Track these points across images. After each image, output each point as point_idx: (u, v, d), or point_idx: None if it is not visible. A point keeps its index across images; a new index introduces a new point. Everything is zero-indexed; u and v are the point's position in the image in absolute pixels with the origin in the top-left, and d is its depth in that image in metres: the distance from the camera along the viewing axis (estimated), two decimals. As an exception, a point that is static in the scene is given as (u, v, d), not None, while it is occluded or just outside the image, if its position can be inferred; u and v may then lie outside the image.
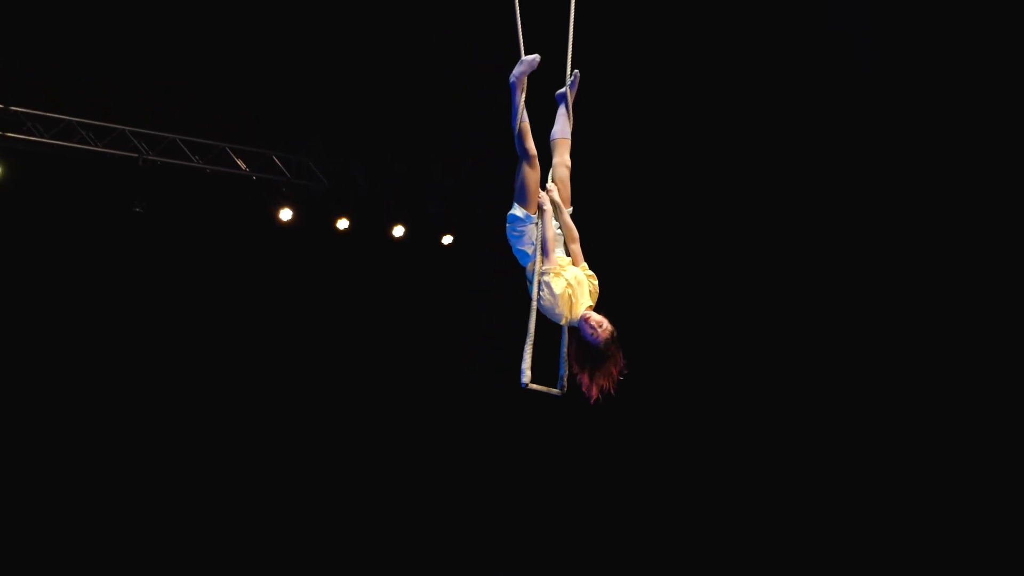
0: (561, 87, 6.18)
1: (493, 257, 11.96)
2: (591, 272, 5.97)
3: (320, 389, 12.04)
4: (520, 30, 5.98)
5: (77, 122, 10.54)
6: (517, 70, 5.92)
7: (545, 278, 5.76)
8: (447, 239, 12.20)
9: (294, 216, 11.33)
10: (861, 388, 12.00)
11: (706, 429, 12.56)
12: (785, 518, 12.18)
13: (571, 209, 6.08)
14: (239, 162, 11.19)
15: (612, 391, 5.71)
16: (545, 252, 5.81)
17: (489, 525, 12.35)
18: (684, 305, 12.63)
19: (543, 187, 6.00)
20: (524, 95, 5.89)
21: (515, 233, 5.93)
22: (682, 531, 12.48)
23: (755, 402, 12.44)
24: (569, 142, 6.16)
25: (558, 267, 5.83)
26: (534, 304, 5.75)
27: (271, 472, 11.79)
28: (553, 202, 5.96)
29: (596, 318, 5.74)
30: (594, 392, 5.71)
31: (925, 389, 11.64)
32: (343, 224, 11.67)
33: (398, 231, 11.91)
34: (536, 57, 5.95)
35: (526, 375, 5.62)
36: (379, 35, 11.55)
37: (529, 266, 5.89)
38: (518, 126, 5.87)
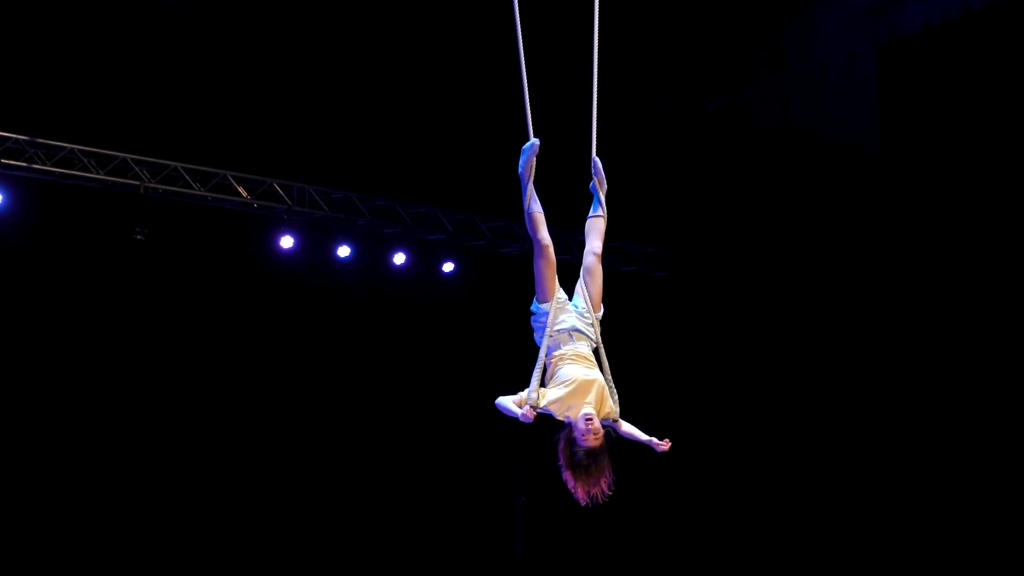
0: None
1: (495, 283, 12.20)
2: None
3: (320, 416, 12.02)
4: (529, 113, 5.81)
5: (79, 149, 10.55)
6: (522, 160, 5.73)
7: (533, 402, 5.51)
8: (448, 267, 12.21)
9: (295, 243, 11.34)
10: (859, 395, 12.08)
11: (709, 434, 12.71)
12: (783, 529, 12.29)
13: (602, 312, 5.81)
14: (240, 190, 11.20)
15: (600, 499, 5.45)
16: (530, 382, 5.54)
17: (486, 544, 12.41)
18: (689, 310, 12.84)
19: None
20: (533, 182, 5.71)
21: (536, 324, 5.74)
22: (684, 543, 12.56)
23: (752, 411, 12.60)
24: (599, 224, 5.89)
25: (540, 393, 5.53)
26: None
27: (270, 495, 11.76)
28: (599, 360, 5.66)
29: (597, 424, 5.45)
30: (580, 494, 5.46)
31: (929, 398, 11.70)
32: (344, 251, 11.68)
33: (399, 258, 11.91)
34: (536, 142, 5.72)
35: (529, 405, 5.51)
36: (380, 61, 11.59)
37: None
38: (530, 216, 5.69)
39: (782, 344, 12.60)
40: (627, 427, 5.74)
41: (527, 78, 5.83)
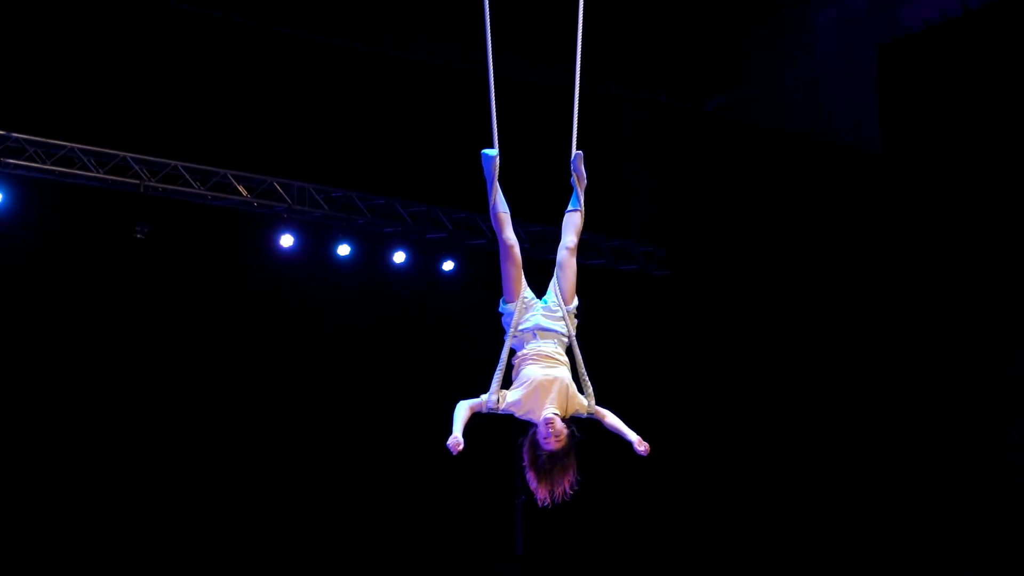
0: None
1: (496, 283, 12.20)
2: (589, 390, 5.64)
3: (320, 414, 12.02)
4: (495, 122, 5.77)
5: (79, 148, 10.55)
6: (484, 165, 5.72)
7: (493, 404, 5.50)
8: (448, 265, 12.21)
9: (295, 242, 11.34)
10: (859, 393, 12.12)
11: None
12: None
13: (575, 303, 5.77)
14: (240, 188, 11.20)
15: (560, 500, 5.41)
16: (491, 384, 5.52)
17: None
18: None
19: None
20: (498, 180, 5.70)
21: (506, 324, 5.75)
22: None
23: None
24: (575, 219, 5.83)
25: (501, 395, 5.51)
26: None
27: (270, 494, 11.74)
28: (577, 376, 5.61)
29: (558, 427, 5.40)
30: (541, 494, 5.42)
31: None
32: (344, 250, 11.68)
33: (399, 257, 11.92)
34: (496, 154, 5.71)
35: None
36: (380, 61, 11.61)
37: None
38: (496, 215, 5.70)
39: (782, 343, 12.63)
40: (612, 420, 5.69)
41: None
